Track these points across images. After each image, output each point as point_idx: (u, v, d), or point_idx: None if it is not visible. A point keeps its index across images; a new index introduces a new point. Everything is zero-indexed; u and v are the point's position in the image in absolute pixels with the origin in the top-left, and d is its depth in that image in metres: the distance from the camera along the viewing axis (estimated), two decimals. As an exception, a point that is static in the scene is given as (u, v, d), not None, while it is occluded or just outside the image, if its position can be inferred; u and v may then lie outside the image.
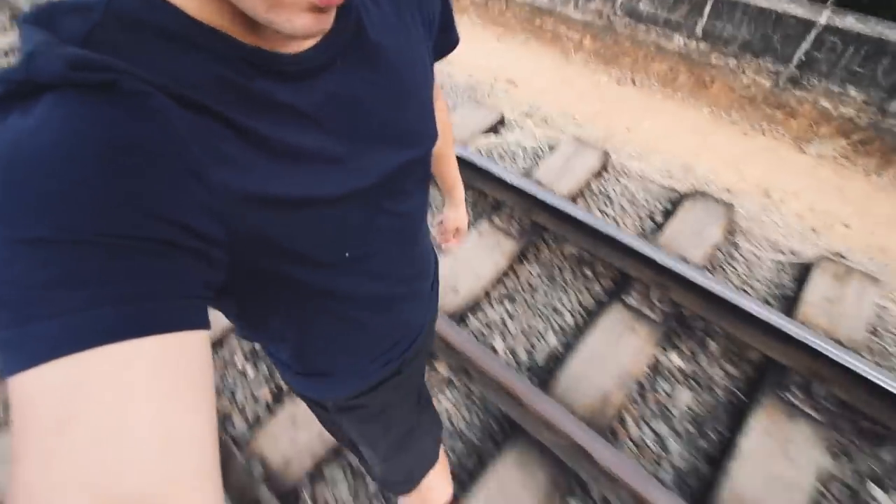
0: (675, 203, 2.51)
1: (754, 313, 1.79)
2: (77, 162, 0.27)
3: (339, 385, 0.74)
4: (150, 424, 0.26)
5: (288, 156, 0.40)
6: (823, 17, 2.64)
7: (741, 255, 2.29)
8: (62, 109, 0.28)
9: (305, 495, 1.61)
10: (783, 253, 2.31)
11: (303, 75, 0.41)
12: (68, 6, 0.33)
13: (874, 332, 2.00)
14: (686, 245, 2.21)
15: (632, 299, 2.02)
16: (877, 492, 1.63)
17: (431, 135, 0.56)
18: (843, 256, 2.22)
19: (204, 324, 0.32)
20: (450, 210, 1.15)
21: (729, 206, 2.41)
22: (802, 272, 2.19)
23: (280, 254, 0.43)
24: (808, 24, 2.68)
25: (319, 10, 0.36)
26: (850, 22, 2.61)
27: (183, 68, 0.34)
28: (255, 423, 1.76)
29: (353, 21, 0.45)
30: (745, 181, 2.73)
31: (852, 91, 2.76)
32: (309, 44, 0.41)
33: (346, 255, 0.50)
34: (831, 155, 2.89)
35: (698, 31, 3.13)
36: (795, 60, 2.85)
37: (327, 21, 0.37)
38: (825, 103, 2.88)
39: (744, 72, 3.09)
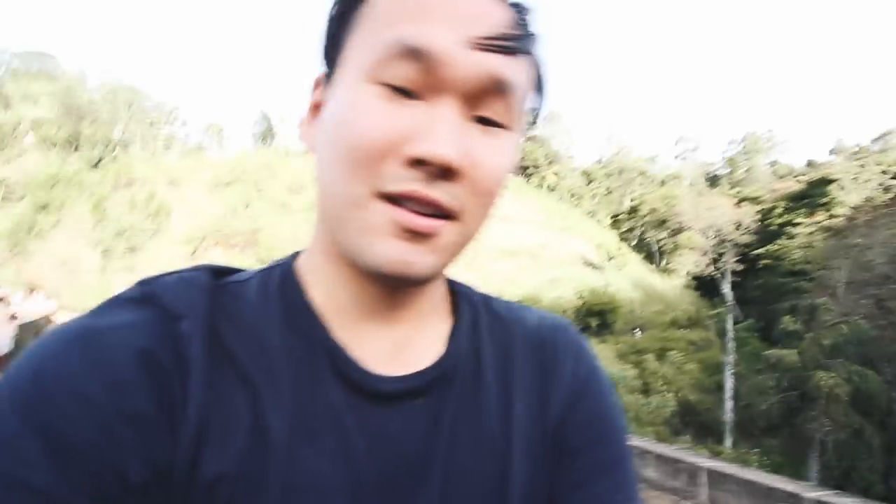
0: None
1: None
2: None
3: None
4: None
5: (295, 486, 0.33)
6: (812, 491, 2.56)
7: None
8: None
9: None
10: None
11: (376, 398, 0.37)
12: (236, 271, 0.42)
13: None
14: None
15: None
16: None
17: None
18: None
19: None
20: None
21: None
22: None
23: None
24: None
25: (411, 235, 0.33)
26: None
27: (264, 343, 0.36)
28: None
29: (454, 370, 0.40)
30: None
31: None
32: (400, 369, 0.38)
33: None
34: None
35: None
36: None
37: (417, 254, 0.33)
38: None
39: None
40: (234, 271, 0.42)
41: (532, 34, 0.36)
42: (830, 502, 2.36)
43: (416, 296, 0.40)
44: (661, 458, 3.34)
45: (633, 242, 43.66)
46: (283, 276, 0.40)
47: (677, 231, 36.38)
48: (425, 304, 0.42)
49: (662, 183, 51.99)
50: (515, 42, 0.34)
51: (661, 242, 40.49)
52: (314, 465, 0.34)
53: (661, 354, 21.66)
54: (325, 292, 0.39)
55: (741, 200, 34.98)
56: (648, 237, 42.41)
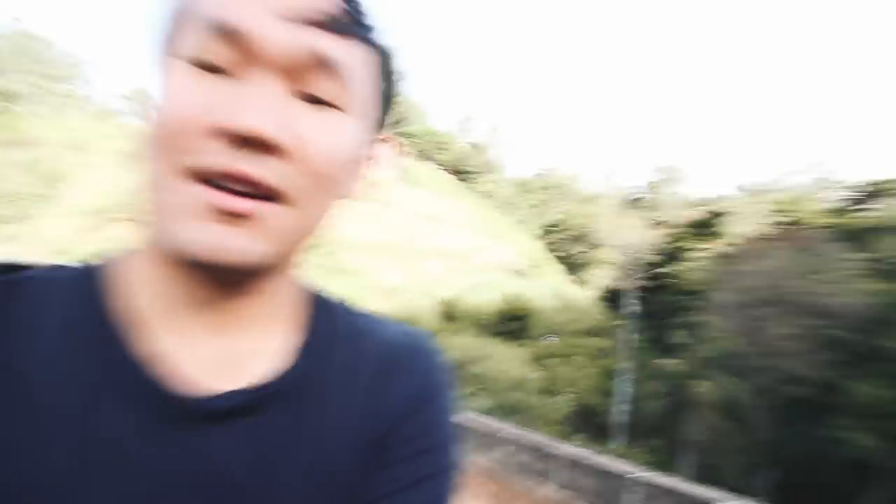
0: None
1: None
2: None
3: None
4: None
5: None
6: (637, 471, 3.03)
7: None
8: None
9: None
10: None
11: (190, 418, 0.33)
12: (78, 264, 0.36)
13: None
14: None
15: None
16: None
17: None
18: None
19: None
20: None
21: None
22: None
23: None
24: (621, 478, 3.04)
25: (227, 217, 0.30)
26: (660, 478, 2.94)
27: (44, 355, 0.31)
28: None
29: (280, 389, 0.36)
30: None
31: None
32: (229, 384, 0.34)
33: None
34: None
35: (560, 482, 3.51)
36: None
37: (235, 238, 0.30)
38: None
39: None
40: (26, 267, 0.36)
41: (361, 19, 0.34)
42: (647, 481, 2.82)
43: (251, 299, 0.36)
44: (530, 446, 3.76)
45: (557, 254, 46.08)
46: (87, 276, 0.35)
47: (596, 247, 38.99)
48: (264, 310, 0.37)
49: (587, 200, 55.35)
50: (335, 21, 0.32)
51: (582, 256, 43.14)
52: (100, 497, 0.30)
53: (568, 359, 23.14)
54: (145, 295, 0.34)
55: (653, 224, 38.21)
56: (570, 250, 45.00)
